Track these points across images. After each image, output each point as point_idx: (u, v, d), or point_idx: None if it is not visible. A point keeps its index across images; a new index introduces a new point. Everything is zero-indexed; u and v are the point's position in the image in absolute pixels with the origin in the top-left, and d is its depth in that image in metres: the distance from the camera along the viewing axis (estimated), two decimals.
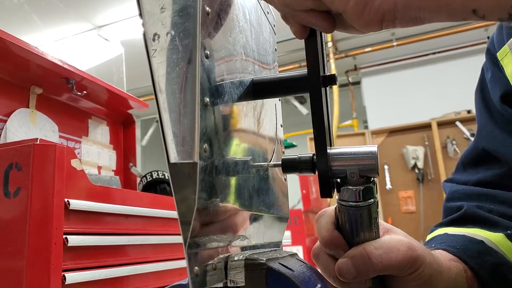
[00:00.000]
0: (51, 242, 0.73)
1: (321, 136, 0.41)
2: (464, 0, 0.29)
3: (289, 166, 0.43)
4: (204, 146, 0.32)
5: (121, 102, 1.47)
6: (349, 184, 0.41)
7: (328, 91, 0.45)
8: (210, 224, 0.34)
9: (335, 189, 0.43)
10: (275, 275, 0.36)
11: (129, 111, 1.55)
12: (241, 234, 0.41)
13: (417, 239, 0.49)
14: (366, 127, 4.86)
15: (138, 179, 1.48)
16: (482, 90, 0.70)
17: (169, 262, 1.11)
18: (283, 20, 0.40)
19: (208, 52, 0.34)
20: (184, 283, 0.38)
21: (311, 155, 0.42)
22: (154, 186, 1.39)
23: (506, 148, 0.63)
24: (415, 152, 4.25)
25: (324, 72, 0.42)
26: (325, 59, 0.44)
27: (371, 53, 4.72)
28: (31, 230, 0.72)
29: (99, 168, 1.43)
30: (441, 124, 4.22)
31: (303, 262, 0.42)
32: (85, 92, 1.29)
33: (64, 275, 0.75)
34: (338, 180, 0.42)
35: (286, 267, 0.37)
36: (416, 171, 4.24)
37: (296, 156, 0.43)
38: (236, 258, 0.37)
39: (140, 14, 0.31)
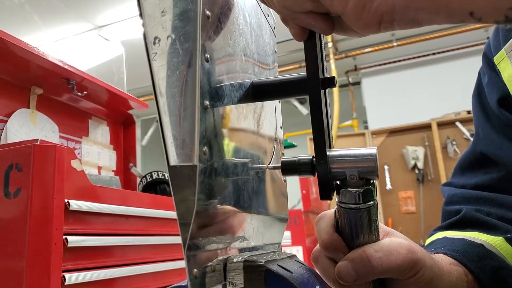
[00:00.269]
0: (51, 242, 0.73)
1: (321, 138, 0.41)
2: (461, 2, 0.30)
3: (288, 168, 0.43)
4: (204, 149, 0.32)
5: (121, 102, 1.47)
6: (348, 186, 0.41)
7: (327, 93, 0.45)
8: (209, 226, 0.34)
9: (335, 191, 0.43)
10: (274, 277, 0.36)
11: (129, 111, 1.55)
12: (240, 235, 0.41)
13: (417, 239, 0.49)
14: (366, 128, 4.86)
15: (138, 180, 1.48)
16: (479, 94, 0.70)
17: (169, 262, 1.11)
18: (283, 22, 0.40)
19: (208, 56, 0.34)
20: (183, 284, 0.39)
21: (311, 157, 0.42)
22: (154, 186, 1.39)
23: (503, 151, 0.63)
24: (415, 153, 4.24)
25: (323, 74, 0.42)
26: (324, 61, 0.44)
27: (371, 54, 4.72)
28: (31, 230, 0.73)
29: (99, 168, 1.43)
30: (441, 125, 4.22)
31: (302, 263, 0.43)
32: (85, 92, 1.29)
33: (64, 276, 0.75)
34: (338, 182, 0.42)
35: (285, 269, 0.37)
36: (416, 171, 4.24)
37: (295, 158, 0.43)
38: (235, 260, 0.37)
39: (141, 15, 0.31)
